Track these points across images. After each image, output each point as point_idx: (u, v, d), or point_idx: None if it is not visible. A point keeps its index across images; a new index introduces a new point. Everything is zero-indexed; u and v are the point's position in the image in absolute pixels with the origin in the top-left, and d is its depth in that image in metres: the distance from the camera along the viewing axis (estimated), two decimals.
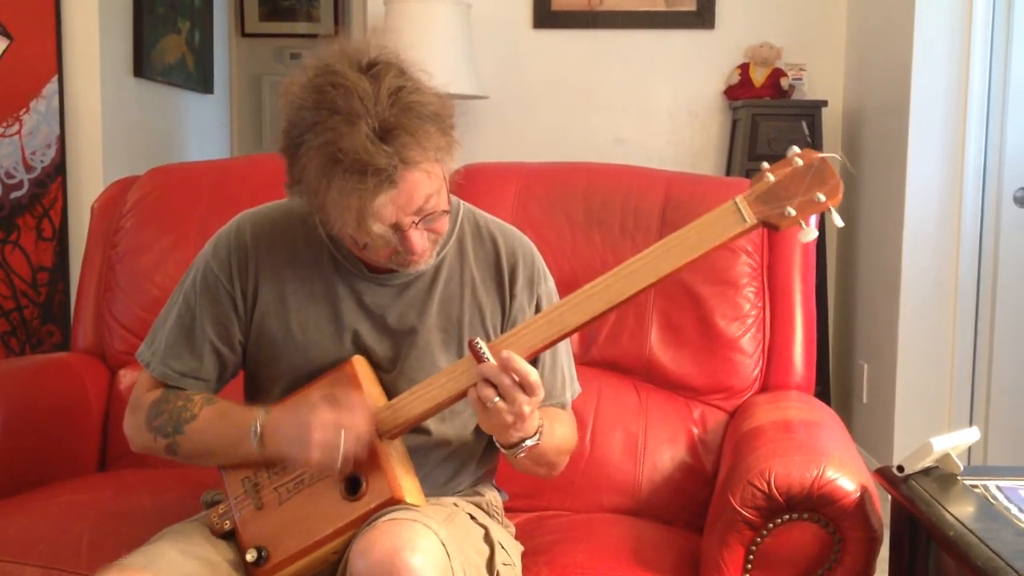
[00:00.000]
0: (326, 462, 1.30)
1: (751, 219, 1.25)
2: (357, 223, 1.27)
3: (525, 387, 1.26)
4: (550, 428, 1.39)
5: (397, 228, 1.30)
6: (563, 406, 1.53)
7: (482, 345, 1.28)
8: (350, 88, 1.25)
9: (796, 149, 1.26)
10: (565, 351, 1.54)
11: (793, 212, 1.24)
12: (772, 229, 1.27)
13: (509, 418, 1.27)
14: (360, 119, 1.24)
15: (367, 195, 1.25)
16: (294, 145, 1.29)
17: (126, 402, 2.01)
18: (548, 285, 1.53)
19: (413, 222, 1.30)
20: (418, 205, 1.29)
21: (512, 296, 1.49)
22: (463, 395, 1.33)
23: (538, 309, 1.49)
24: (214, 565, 1.34)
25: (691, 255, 1.27)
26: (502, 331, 1.47)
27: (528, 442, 1.33)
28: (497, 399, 1.26)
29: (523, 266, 1.50)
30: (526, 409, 1.27)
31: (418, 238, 1.32)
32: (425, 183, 1.29)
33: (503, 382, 1.25)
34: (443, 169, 1.33)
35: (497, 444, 1.37)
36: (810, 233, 1.26)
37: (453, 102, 1.36)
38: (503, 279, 1.49)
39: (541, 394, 1.29)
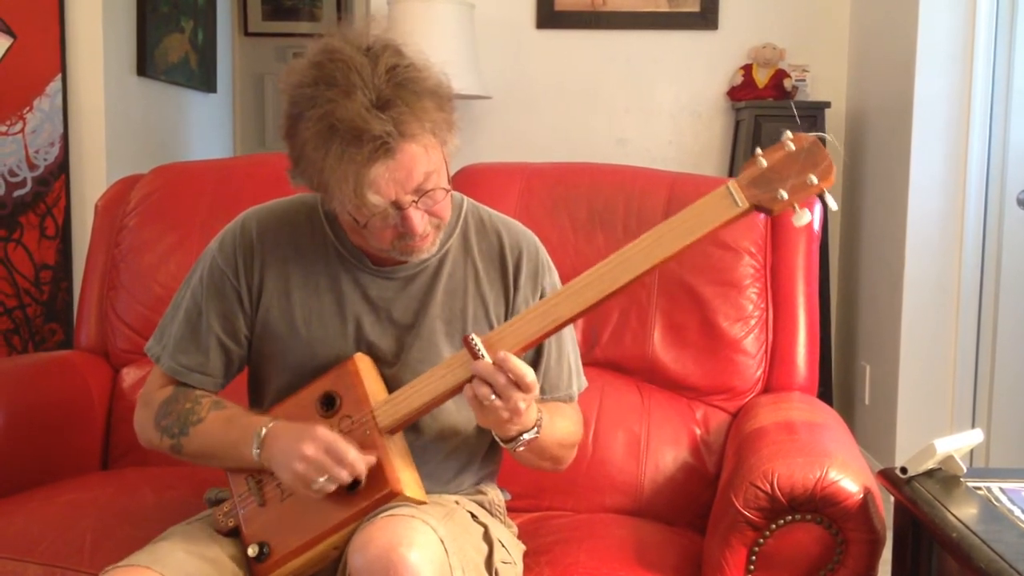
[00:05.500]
0: (295, 489, 1.33)
1: (743, 203, 1.25)
2: (355, 194, 1.27)
3: (520, 385, 1.27)
4: (550, 422, 1.39)
5: (397, 207, 1.30)
6: (570, 399, 1.53)
7: (477, 341, 1.28)
8: (348, 63, 1.28)
9: (789, 134, 1.26)
10: (572, 344, 1.55)
11: (786, 195, 1.24)
12: (765, 213, 1.26)
13: (505, 414, 1.28)
14: (356, 90, 1.26)
15: (362, 164, 1.25)
16: (294, 122, 1.30)
17: (129, 400, 2.04)
18: (552, 277, 1.53)
19: (413, 201, 1.31)
20: (417, 182, 1.30)
21: (516, 288, 1.49)
22: (460, 389, 1.33)
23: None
24: (219, 564, 1.35)
25: (684, 241, 1.26)
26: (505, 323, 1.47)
27: (526, 436, 1.34)
28: (493, 396, 1.26)
29: (527, 258, 1.51)
30: (521, 406, 1.28)
31: (418, 218, 1.32)
32: (423, 158, 1.29)
33: (498, 381, 1.26)
34: (442, 148, 1.33)
35: (496, 438, 1.37)
36: (803, 217, 1.25)
37: (451, 84, 1.36)
38: (507, 271, 1.49)
39: (536, 391, 1.30)
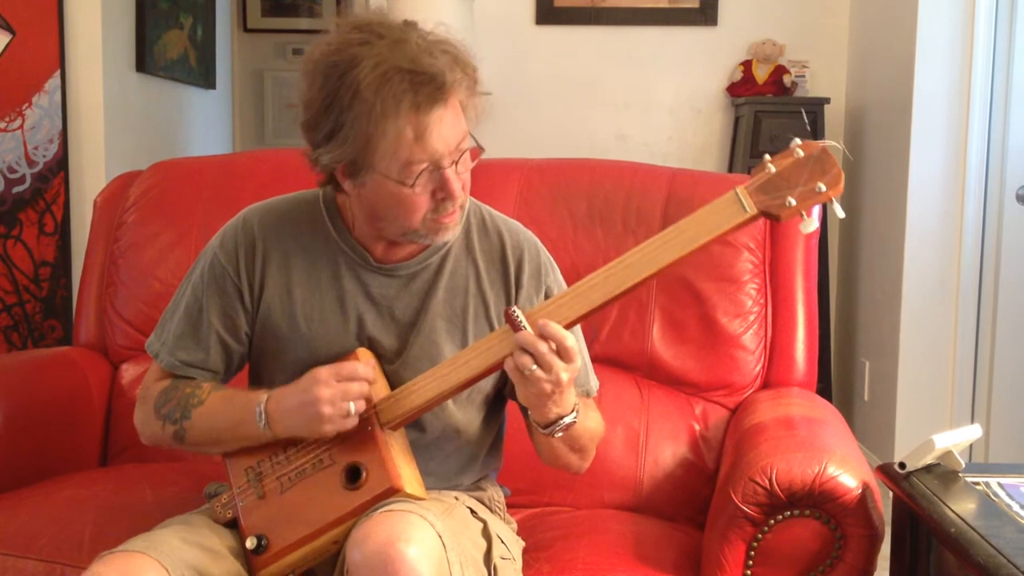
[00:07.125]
0: (332, 433, 1.33)
1: (751, 209, 1.25)
2: (415, 140, 1.29)
3: (562, 353, 1.27)
4: (584, 410, 1.40)
5: (437, 168, 1.32)
6: (588, 395, 1.53)
7: (519, 314, 1.28)
8: (387, 23, 1.32)
9: (797, 140, 1.26)
10: (584, 346, 1.54)
11: (794, 202, 1.24)
12: (773, 219, 1.26)
13: (548, 387, 1.28)
14: (407, 37, 1.30)
15: (423, 104, 1.27)
16: (335, 85, 1.29)
17: (128, 397, 2.04)
18: (556, 276, 1.54)
19: (453, 161, 1.33)
20: (457, 140, 1.33)
21: (518, 287, 1.49)
22: (472, 382, 1.34)
23: (548, 299, 1.49)
24: (215, 553, 1.35)
25: (691, 246, 1.27)
26: None
27: (566, 419, 1.34)
28: (535, 367, 1.26)
29: (529, 258, 1.51)
30: (564, 376, 1.27)
31: (456, 180, 1.34)
32: (460, 112, 1.34)
33: (539, 348, 1.26)
34: (464, 112, 1.37)
35: (535, 426, 1.37)
36: (811, 224, 1.26)
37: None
38: (508, 271, 1.50)
39: (578, 361, 1.30)
